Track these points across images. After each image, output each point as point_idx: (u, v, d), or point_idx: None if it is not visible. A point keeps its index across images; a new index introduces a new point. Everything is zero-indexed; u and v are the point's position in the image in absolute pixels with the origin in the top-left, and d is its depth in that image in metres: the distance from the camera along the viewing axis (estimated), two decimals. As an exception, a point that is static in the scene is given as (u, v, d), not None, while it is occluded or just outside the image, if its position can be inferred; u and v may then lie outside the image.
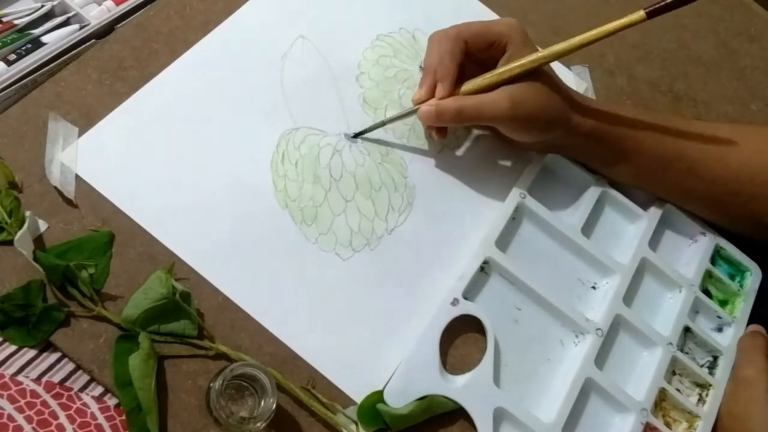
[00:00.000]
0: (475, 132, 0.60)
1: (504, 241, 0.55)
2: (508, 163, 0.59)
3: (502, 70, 0.52)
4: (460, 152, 0.59)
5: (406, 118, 0.56)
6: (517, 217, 0.56)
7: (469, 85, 0.53)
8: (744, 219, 0.59)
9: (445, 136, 0.56)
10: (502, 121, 0.52)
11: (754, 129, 0.61)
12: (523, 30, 0.53)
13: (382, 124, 0.56)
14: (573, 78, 0.67)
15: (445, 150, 0.59)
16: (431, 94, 0.53)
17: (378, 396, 0.47)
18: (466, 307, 0.51)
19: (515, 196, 0.56)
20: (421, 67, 0.60)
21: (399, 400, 0.47)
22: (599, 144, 0.56)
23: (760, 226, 0.58)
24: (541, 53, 0.51)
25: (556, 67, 0.67)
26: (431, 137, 0.58)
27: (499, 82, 0.52)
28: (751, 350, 0.54)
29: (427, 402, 0.47)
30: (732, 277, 0.60)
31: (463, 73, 0.53)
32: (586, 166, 0.59)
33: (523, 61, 0.51)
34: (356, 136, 0.56)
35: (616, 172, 0.58)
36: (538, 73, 0.52)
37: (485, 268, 0.53)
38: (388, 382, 0.48)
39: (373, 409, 0.46)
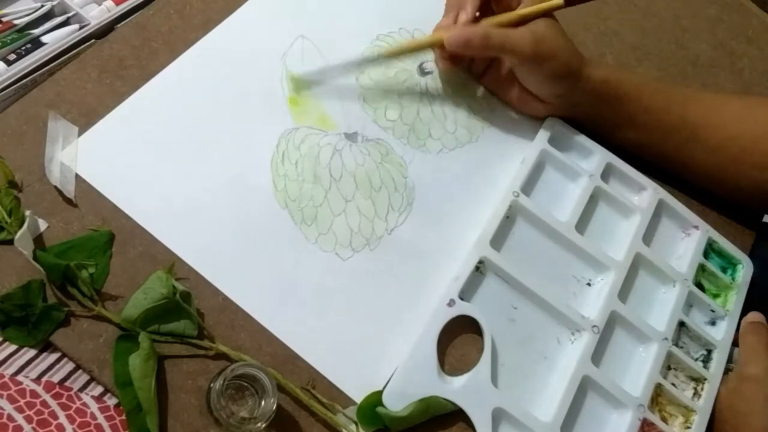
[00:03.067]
0: (475, 132, 0.60)
1: (498, 240, 0.55)
2: (507, 164, 0.59)
3: (527, 10, 0.55)
4: (459, 152, 0.59)
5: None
6: (510, 215, 0.56)
7: (491, 20, 0.55)
8: (745, 188, 0.60)
9: (455, 65, 0.58)
10: (525, 55, 0.54)
11: (759, 99, 0.62)
12: None
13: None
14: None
15: (444, 150, 0.59)
16: (455, 22, 0.55)
17: (378, 396, 0.47)
18: (463, 308, 0.51)
19: (508, 194, 0.56)
20: (422, 68, 0.61)
21: (398, 403, 0.47)
22: (606, 104, 0.58)
23: (761, 195, 0.60)
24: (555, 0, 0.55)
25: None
26: (441, 67, 0.59)
27: (520, 20, 0.55)
28: (757, 347, 0.54)
29: (426, 404, 0.47)
30: (724, 270, 0.61)
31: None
32: (578, 162, 0.60)
33: (542, 5, 0.55)
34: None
35: (621, 136, 0.60)
36: (553, 19, 0.56)
37: (480, 268, 0.54)
38: (387, 384, 0.48)
39: (372, 409, 0.46)
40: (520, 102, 0.60)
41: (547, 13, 0.55)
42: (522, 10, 0.55)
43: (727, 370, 0.55)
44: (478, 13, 0.56)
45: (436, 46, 0.56)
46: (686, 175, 0.62)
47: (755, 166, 0.59)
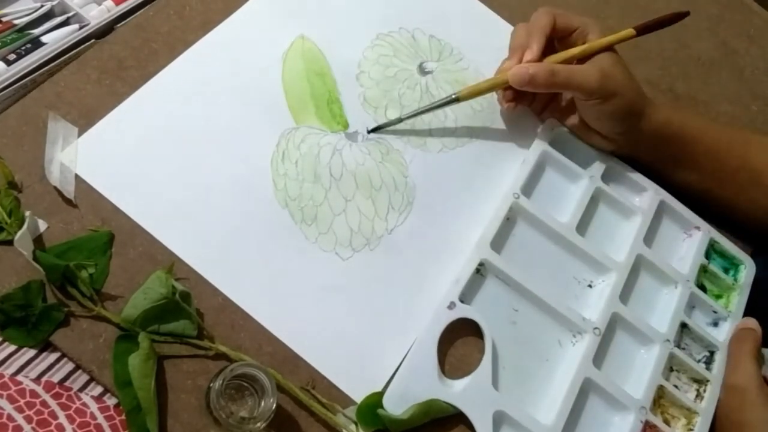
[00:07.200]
0: (476, 132, 0.60)
1: (499, 242, 0.55)
2: (508, 164, 0.59)
3: (589, 44, 0.55)
4: (460, 152, 0.59)
5: (425, 113, 0.58)
6: (511, 217, 0.56)
7: (555, 57, 0.55)
8: None
9: (515, 106, 0.59)
10: (591, 90, 0.54)
11: None
12: (601, 27, 0.57)
13: (416, 114, 0.57)
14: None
15: (445, 150, 0.59)
16: (519, 62, 0.55)
17: (378, 397, 0.47)
18: (463, 311, 0.51)
19: (508, 196, 0.56)
20: (422, 68, 0.61)
21: (398, 406, 0.46)
22: (668, 144, 0.58)
23: None
24: (625, 31, 0.57)
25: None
26: (503, 108, 0.60)
27: (584, 54, 0.55)
28: (739, 356, 0.54)
29: (426, 406, 0.47)
30: (726, 271, 0.61)
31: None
32: (582, 166, 0.59)
33: (611, 37, 0.55)
34: (375, 130, 0.57)
35: (682, 176, 0.60)
36: (617, 55, 0.56)
37: (481, 270, 0.53)
38: (387, 385, 0.48)
39: (372, 410, 0.46)
40: (582, 133, 0.60)
41: (610, 48, 0.56)
42: (588, 45, 0.55)
43: None
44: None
45: (499, 87, 0.57)
46: (745, 219, 0.61)
47: None
